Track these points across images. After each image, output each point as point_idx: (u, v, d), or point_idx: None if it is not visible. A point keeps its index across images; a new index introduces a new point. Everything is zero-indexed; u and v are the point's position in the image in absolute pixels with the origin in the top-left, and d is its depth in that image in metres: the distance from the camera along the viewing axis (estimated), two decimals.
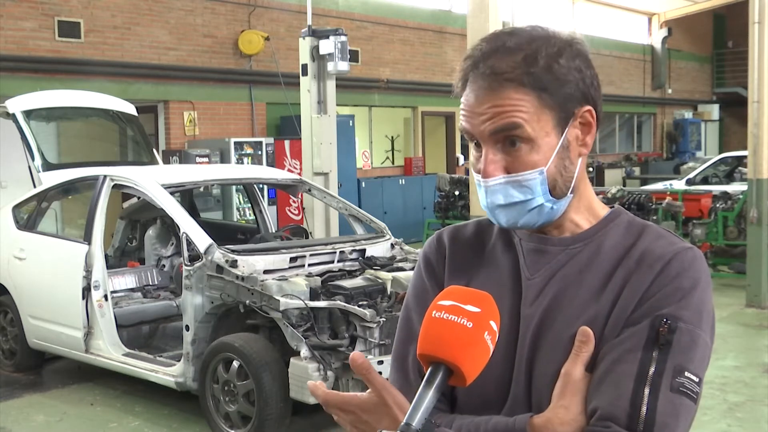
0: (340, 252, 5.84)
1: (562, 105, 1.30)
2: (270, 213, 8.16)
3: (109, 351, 6.01)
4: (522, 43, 1.30)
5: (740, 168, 14.13)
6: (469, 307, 1.18)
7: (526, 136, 1.28)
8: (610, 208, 1.42)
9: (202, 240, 5.46)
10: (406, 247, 6.31)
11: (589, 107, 1.33)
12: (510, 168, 1.30)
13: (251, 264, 5.30)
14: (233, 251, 5.40)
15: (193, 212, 7.63)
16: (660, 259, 1.30)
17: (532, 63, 1.28)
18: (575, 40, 1.33)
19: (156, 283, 7.28)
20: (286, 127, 12.89)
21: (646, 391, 1.21)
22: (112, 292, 6.35)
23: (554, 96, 1.29)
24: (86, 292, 6.03)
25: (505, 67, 1.28)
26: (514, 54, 1.29)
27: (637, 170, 21.38)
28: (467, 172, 10.59)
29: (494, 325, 1.19)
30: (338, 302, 5.02)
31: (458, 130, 1.36)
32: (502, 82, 1.28)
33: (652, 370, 1.22)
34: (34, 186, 7.20)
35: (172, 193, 5.98)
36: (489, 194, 1.32)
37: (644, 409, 1.20)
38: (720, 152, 20.99)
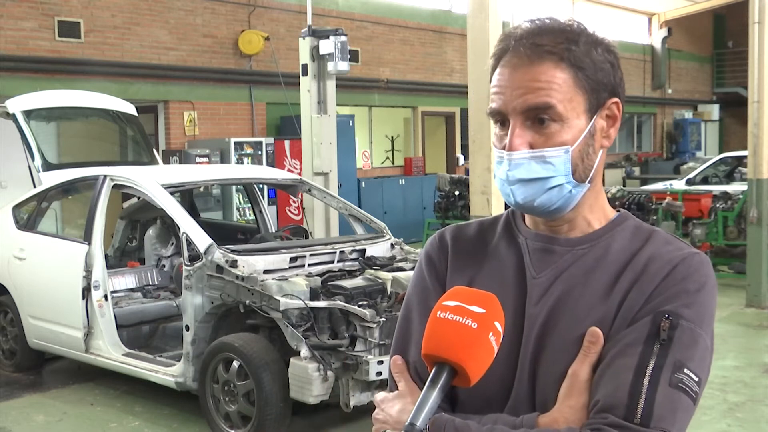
0: (340, 252, 5.84)
1: (594, 90, 1.32)
2: (270, 213, 8.16)
3: (109, 351, 6.00)
4: (564, 27, 1.33)
5: (740, 168, 14.12)
6: (474, 308, 1.19)
7: (558, 115, 1.29)
8: (617, 211, 1.43)
9: (202, 240, 5.46)
10: (406, 247, 6.31)
11: (617, 100, 1.36)
12: (535, 145, 1.31)
13: (251, 264, 5.30)
14: (233, 251, 5.40)
15: (193, 212, 7.63)
16: (668, 263, 1.30)
17: (573, 42, 1.31)
18: (610, 42, 1.37)
19: (156, 283, 7.27)
20: (286, 127, 12.89)
21: (645, 383, 1.21)
22: (112, 292, 6.35)
23: (589, 79, 1.31)
24: (86, 292, 6.03)
25: (547, 41, 1.30)
26: (556, 33, 1.32)
27: (637, 170, 21.37)
28: (467, 172, 10.59)
29: (499, 326, 1.20)
30: (338, 302, 5.02)
31: (487, 113, 1.39)
32: (543, 54, 1.29)
33: (651, 364, 1.23)
34: (34, 186, 7.20)
35: (172, 193, 5.98)
36: (512, 167, 1.31)
37: (642, 401, 1.20)
38: (720, 152, 20.99)
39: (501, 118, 1.34)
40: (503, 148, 1.33)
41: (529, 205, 1.34)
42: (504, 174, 1.33)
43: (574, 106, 1.30)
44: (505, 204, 1.39)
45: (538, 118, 1.30)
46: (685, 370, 1.23)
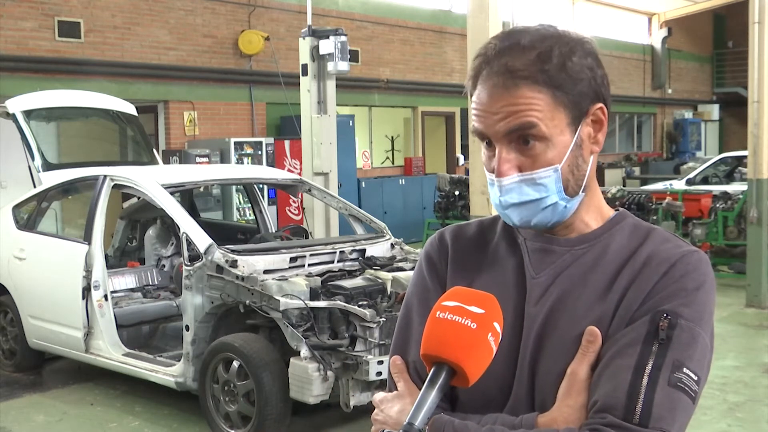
0: (340, 252, 5.84)
1: (575, 103, 1.30)
2: (270, 213, 8.16)
3: (109, 351, 6.00)
4: (535, 41, 1.30)
5: (740, 168, 14.12)
6: (473, 309, 1.19)
7: (541, 134, 1.28)
8: (615, 210, 1.42)
9: (202, 240, 5.46)
10: (406, 247, 6.31)
11: (600, 104, 1.34)
12: (524, 167, 1.30)
13: (251, 264, 5.30)
14: (233, 251, 5.40)
15: (193, 212, 7.63)
16: (666, 261, 1.30)
17: (546, 60, 1.28)
18: (586, 39, 1.34)
19: (156, 283, 7.27)
20: (286, 127, 12.89)
21: (644, 383, 1.21)
22: (112, 292, 6.35)
23: (568, 94, 1.29)
24: (86, 292, 6.03)
25: (519, 65, 1.28)
26: (527, 52, 1.29)
27: (637, 170, 21.37)
28: (467, 172, 10.60)
29: (498, 327, 1.20)
30: (338, 302, 5.02)
31: (470, 131, 1.38)
32: (517, 80, 1.28)
33: (650, 363, 1.22)
34: (34, 186, 7.20)
35: (172, 193, 5.98)
36: (503, 193, 1.31)
37: (641, 401, 1.20)
38: (720, 152, 20.99)
39: (485, 138, 1.33)
40: (492, 172, 1.33)
41: (526, 225, 1.35)
42: (497, 199, 1.34)
43: (557, 123, 1.29)
44: None
45: (523, 138, 1.29)
46: (684, 370, 1.23)
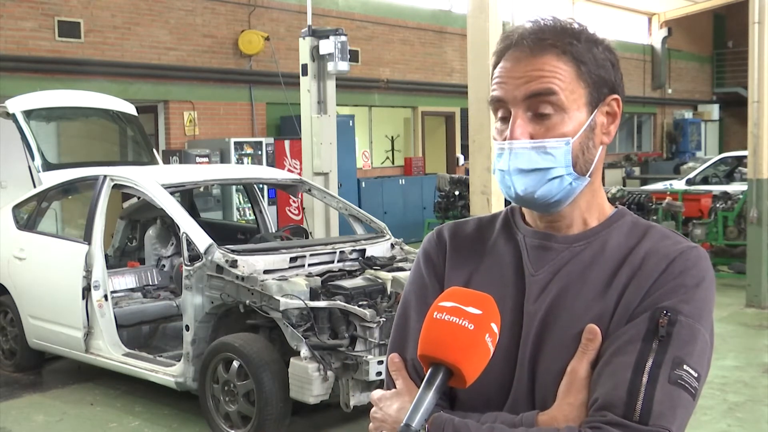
0: (340, 252, 5.84)
1: (596, 84, 1.33)
2: (270, 213, 8.15)
3: (109, 351, 6.00)
4: (566, 25, 1.35)
5: (740, 168, 14.12)
6: (471, 309, 1.19)
7: (560, 104, 1.30)
8: (615, 208, 1.43)
9: (202, 240, 5.46)
10: (406, 247, 6.31)
11: (617, 96, 1.37)
12: (536, 135, 1.32)
13: (251, 264, 5.30)
14: (233, 251, 5.40)
15: (193, 212, 7.63)
16: (665, 258, 1.30)
17: (575, 38, 1.33)
18: (610, 42, 1.39)
19: (156, 283, 7.27)
20: (286, 127, 12.89)
21: (644, 380, 1.21)
22: (112, 292, 6.35)
23: (591, 73, 1.33)
24: (86, 292, 6.03)
25: (550, 35, 1.32)
26: (558, 31, 1.33)
27: (637, 170, 21.37)
28: (467, 172, 10.60)
29: (495, 328, 1.20)
30: (338, 302, 5.02)
31: (488, 101, 1.41)
32: (546, 47, 1.31)
33: (650, 360, 1.23)
34: (34, 186, 7.20)
35: (172, 193, 5.98)
36: (512, 158, 1.32)
37: (641, 398, 1.20)
38: (720, 152, 20.99)
39: (502, 108, 1.34)
40: (503, 140, 1.33)
41: (529, 197, 1.34)
42: (505, 165, 1.33)
43: (576, 98, 1.31)
44: (505, 201, 1.39)
45: (539, 113, 1.31)
46: (685, 366, 1.23)
